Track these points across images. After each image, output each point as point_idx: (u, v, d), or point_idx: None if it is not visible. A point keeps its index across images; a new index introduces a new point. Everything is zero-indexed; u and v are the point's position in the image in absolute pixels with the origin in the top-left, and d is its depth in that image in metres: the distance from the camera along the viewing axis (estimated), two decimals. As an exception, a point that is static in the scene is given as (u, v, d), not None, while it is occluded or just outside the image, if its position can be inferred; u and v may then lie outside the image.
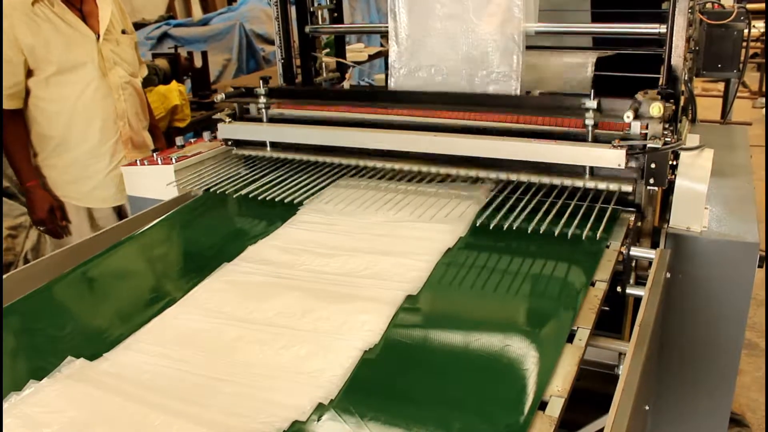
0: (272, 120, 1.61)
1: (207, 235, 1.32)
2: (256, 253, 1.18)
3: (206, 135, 1.80)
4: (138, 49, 2.14)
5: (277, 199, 1.36)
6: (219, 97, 1.61)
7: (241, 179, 1.49)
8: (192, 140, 1.81)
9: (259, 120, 1.60)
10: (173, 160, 1.59)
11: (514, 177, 1.32)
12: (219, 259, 1.16)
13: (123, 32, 1.98)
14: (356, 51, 3.93)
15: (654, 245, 1.24)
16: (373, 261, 1.11)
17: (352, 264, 1.11)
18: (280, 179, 1.47)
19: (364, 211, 1.32)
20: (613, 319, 1.16)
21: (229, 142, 1.66)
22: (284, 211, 1.36)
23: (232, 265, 1.13)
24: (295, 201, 1.35)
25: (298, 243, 1.20)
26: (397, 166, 1.44)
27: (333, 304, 0.98)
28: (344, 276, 1.08)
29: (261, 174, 1.52)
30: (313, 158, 1.55)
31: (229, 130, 1.62)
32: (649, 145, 1.19)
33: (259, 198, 1.39)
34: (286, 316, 0.97)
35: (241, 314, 0.98)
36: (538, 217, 1.17)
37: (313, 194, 1.38)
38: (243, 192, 1.43)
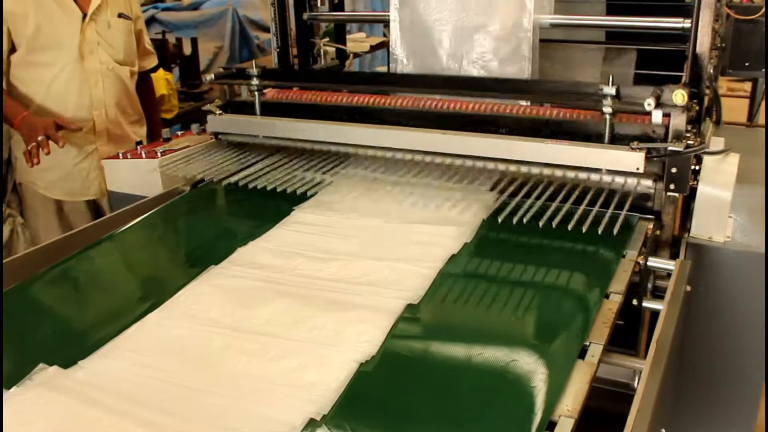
0: (265, 107, 1.60)
1: (193, 235, 1.32)
2: (245, 255, 1.17)
3: (195, 127, 1.79)
4: (145, 36, 2.11)
5: (270, 194, 1.34)
6: (208, 77, 1.61)
7: (232, 170, 1.47)
8: (179, 133, 1.81)
9: (252, 106, 1.60)
10: (158, 154, 1.59)
11: (525, 169, 1.31)
12: (206, 261, 1.15)
13: (120, 16, 1.95)
14: (357, 41, 3.92)
15: (674, 256, 1.24)
16: (371, 267, 1.11)
17: (349, 270, 1.11)
18: (274, 172, 1.45)
19: (363, 212, 1.31)
20: (629, 334, 1.15)
21: (220, 136, 1.65)
22: (277, 210, 1.36)
23: (219, 267, 1.13)
24: (292, 191, 1.33)
25: (292, 246, 1.20)
26: (399, 155, 1.43)
27: (328, 313, 0.98)
28: (340, 282, 1.07)
29: (253, 164, 1.50)
30: (309, 146, 1.53)
31: (219, 122, 1.61)
32: (669, 148, 1.19)
33: (250, 193, 1.38)
34: (277, 324, 0.97)
35: (229, 321, 0.98)
36: (547, 218, 1.15)
37: (308, 189, 1.37)
38: (233, 187, 1.42)
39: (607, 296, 1.02)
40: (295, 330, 0.96)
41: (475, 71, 1.50)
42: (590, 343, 0.91)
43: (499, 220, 1.20)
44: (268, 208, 1.38)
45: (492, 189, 1.33)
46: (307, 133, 1.51)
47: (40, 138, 1.70)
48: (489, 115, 1.41)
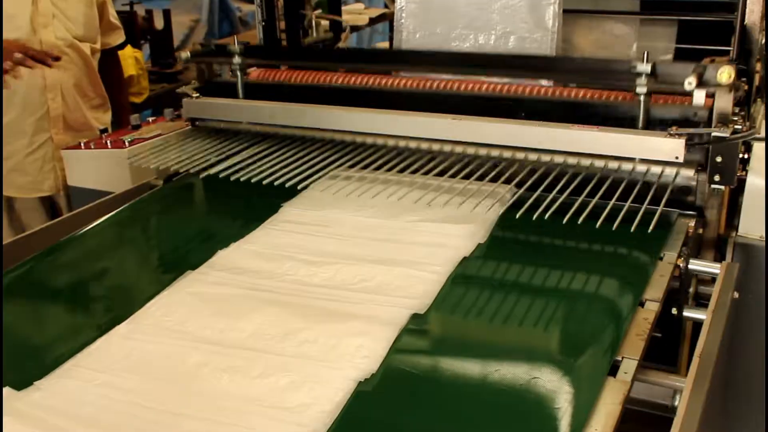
0: (249, 89, 1.60)
1: (167, 236, 1.32)
2: (227, 259, 1.17)
3: (168, 113, 1.78)
4: (109, 8, 2.10)
5: (255, 188, 1.33)
6: (184, 55, 1.61)
7: (211, 161, 1.47)
8: (150, 119, 1.81)
9: (233, 88, 1.59)
10: (126, 144, 1.58)
11: (546, 158, 1.31)
12: (181, 266, 1.15)
13: None
14: (354, 13, 3.91)
15: (719, 258, 1.24)
16: (371, 271, 1.10)
17: (346, 274, 1.10)
18: (259, 163, 1.44)
19: (361, 209, 1.30)
20: (667, 347, 1.15)
21: (197, 122, 1.65)
22: (263, 207, 1.35)
23: (197, 273, 1.12)
24: (280, 184, 1.32)
25: (280, 247, 1.20)
26: (403, 144, 1.43)
27: (321, 324, 0.97)
28: (336, 289, 1.07)
29: (235, 153, 1.49)
30: (300, 133, 1.52)
31: (196, 107, 1.61)
32: (713, 134, 1.18)
33: (233, 188, 1.37)
34: (264, 337, 0.96)
35: (208, 334, 0.97)
36: (572, 214, 1.14)
37: (299, 183, 1.36)
38: (212, 180, 1.41)
39: (641, 304, 1.02)
40: (283, 344, 0.95)
41: (491, 47, 1.49)
42: (623, 358, 0.91)
43: (517, 217, 1.18)
44: (253, 204, 1.38)
45: (509, 181, 1.32)
46: (298, 118, 1.50)
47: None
48: (506, 97, 1.41)
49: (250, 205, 1.39)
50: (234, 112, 1.59)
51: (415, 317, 1.00)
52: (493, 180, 1.34)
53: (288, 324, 0.98)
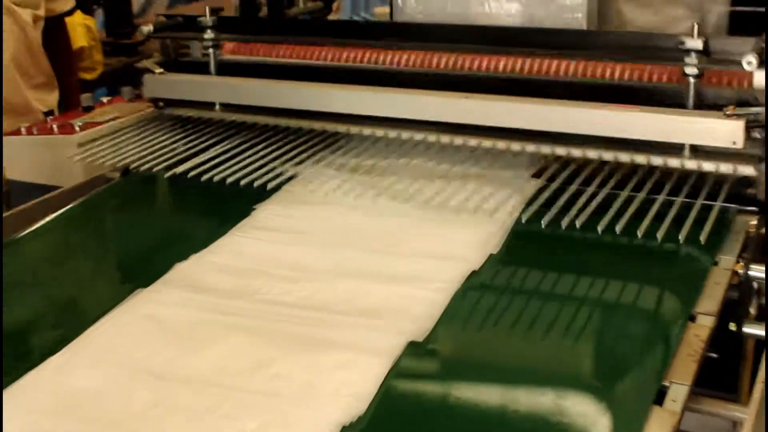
0: (223, 67, 1.58)
1: (119, 243, 1.30)
2: (186, 273, 1.15)
3: (126, 92, 1.76)
4: None
5: (223, 187, 1.33)
6: (145, 29, 1.58)
7: (177, 152, 1.46)
8: (105, 99, 1.79)
9: (205, 66, 1.57)
10: (76, 128, 1.56)
11: (577, 152, 1.29)
12: (133, 281, 1.13)
13: None
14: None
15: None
16: (359, 288, 1.08)
17: (329, 293, 1.08)
18: (232, 158, 1.44)
19: (349, 212, 1.28)
20: (725, 370, 1.13)
21: (160, 103, 1.62)
22: (232, 210, 1.33)
23: (150, 291, 1.10)
24: (250, 184, 1.32)
25: (250, 260, 1.18)
26: (405, 135, 1.41)
27: (297, 354, 0.95)
28: (316, 311, 1.04)
29: (205, 147, 1.49)
30: (283, 122, 1.51)
31: (159, 85, 1.59)
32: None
33: (198, 186, 1.36)
34: (228, 371, 0.93)
35: (160, 367, 0.95)
36: (609, 219, 1.13)
37: (277, 181, 1.35)
38: (176, 176, 1.40)
39: (692, 318, 1.00)
40: (252, 379, 0.92)
41: (511, 18, 1.47)
42: (671, 383, 0.88)
43: (543, 225, 1.16)
44: (223, 204, 1.37)
45: (533, 176, 1.30)
46: (281, 97, 1.48)
47: None
48: (529, 78, 1.39)
49: (218, 206, 1.37)
50: (205, 91, 1.57)
51: (412, 346, 0.96)
52: (511, 174, 1.31)
53: (257, 354, 0.95)
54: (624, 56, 1.36)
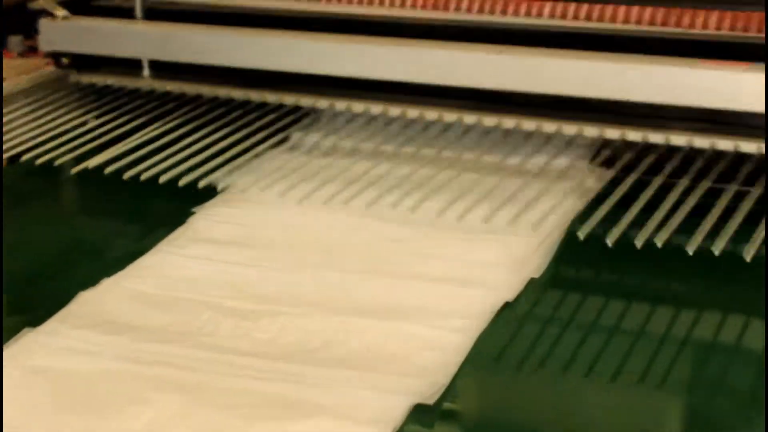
0: (155, 12, 1.56)
1: (7, 261, 1.22)
2: (95, 306, 1.09)
3: (15, 43, 1.74)
4: None
5: (152, 183, 1.28)
6: None
7: (88, 140, 1.42)
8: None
9: (128, 12, 1.56)
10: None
11: (658, 138, 1.27)
12: (17, 317, 1.08)
13: None
14: None
15: None
16: (344, 327, 1.03)
17: (302, 333, 1.02)
18: (167, 146, 1.39)
19: (330, 213, 1.25)
20: None
21: (64, 59, 1.59)
22: (163, 216, 1.30)
23: (41, 332, 1.04)
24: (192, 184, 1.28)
25: (187, 285, 1.12)
26: (412, 112, 1.39)
27: (258, 426, 0.91)
28: (284, 361, 0.98)
29: (129, 131, 1.45)
30: (239, 94, 1.49)
31: (62, 33, 1.58)
32: None
33: (117, 182, 1.31)
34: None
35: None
36: (708, 232, 1.09)
37: (227, 176, 1.31)
38: (89, 166, 1.35)
39: None
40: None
41: None
42: None
43: (610, 243, 1.11)
44: (145, 209, 1.32)
45: (597, 165, 1.28)
46: (235, 52, 1.46)
47: None
48: (573, 31, 1.37)
49: (143, 209, 1.32)
50: (128, 43, 1.53)
51: (419, 411, 0.91)
52: (565, 165, 1.30)
53: (199, 424, 0.90)
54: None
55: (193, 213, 1.27)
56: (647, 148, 1.27)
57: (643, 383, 0.96)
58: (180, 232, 1.24)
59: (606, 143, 1.30)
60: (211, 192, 1.30)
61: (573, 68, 1.29)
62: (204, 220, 1.27)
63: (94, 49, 1.56)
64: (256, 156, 1.38)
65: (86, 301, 1.10)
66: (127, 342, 1.04)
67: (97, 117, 1.49)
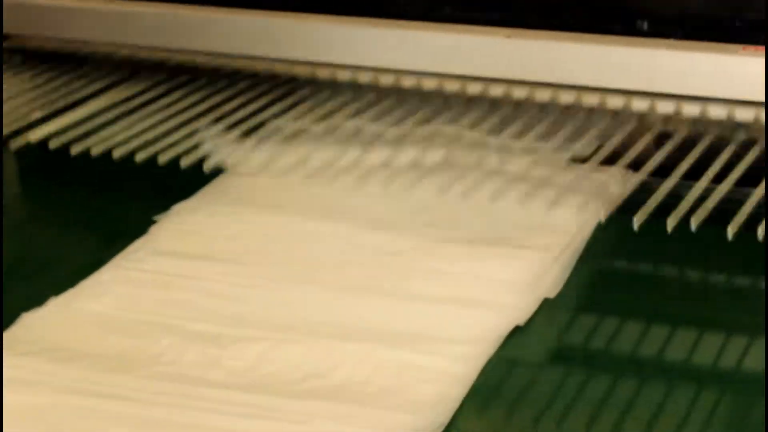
0: None
1: None
2: (40, 330, 1.08)
3: None
4: None
5: (108, 177, 1.30)
6: None
7: (29, 109, 1.44)
8: None
9: None
10: None
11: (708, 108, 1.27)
12: None
13: None
14: None
15: None
16: (331, 354, 1.01)
17: (282, 361, 1.01)
18: (120, 117, 1.41)
19: (320, 218, 1.25)
20: None
21: None
22: (118, 221, 1.29)
23: None
24: (150, 166, 1.29)
25: (148, 305, 1.10)
26: (408, 82, 1.41)
27: None
28: (261, 393, 0.97)
29: (78, 100, 1.48)
30: (205, 61, 1.49)
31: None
32: None
33: (70, 168, 1.34)
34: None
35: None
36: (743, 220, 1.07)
37: (197, 162, 1.31)
38: (30, 151, 1.39)
39: None
40: None
41: None
42: None
43: (636, 226, 1.10)
44: (100, 212, 1.32)
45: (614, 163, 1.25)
46: (194, 35, 1.48)
47: None
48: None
49: (97, 211, 1.31)
50: (62, 23, 1.56)
51: None
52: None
53: None
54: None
55: (155, 222, 1.26)
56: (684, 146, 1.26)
57: (683, 427, 0.96)
58: (139, 243, 1.23)
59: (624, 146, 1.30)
60: (175, 198, 1.30)
61: (593, 52, 1.35)
62: (168, 229, 1.26)
63: (19, 29, 1.61)
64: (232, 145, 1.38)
65: (30, 323, 1.09)
66: (78, 371, 1.02)
67: (39, 86, 1.51)
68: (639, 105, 1.33)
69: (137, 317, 1.11)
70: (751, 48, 1.29)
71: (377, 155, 1.37)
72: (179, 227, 1.28)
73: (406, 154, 1.37)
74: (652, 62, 1.33)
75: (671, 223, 1.14)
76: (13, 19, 1.59)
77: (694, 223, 1.11)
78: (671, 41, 1.34)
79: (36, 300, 1.12)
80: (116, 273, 1.19)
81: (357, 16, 1.46)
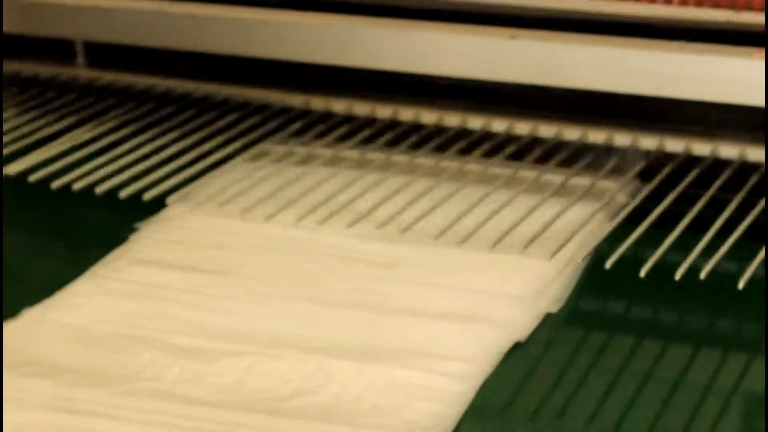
0: None
1: None
2: (13, 343, 1.07)
3: None
4: None
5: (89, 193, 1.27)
6: None
7: (10, 140, 1.42)
8: None
9: None
10: None
11: (704, 148, 1.28)
12: None
13: None
14: None
15: None
16: (320, 371, 1.00)
17: (269, 378, 0.99)
18: (105, 150, 1.39)
19: (303, 232, 1.25)
20: None
21: None
22: (95, 233, 1.30)
23: None
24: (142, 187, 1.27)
25: (126, 318, 1.09)
26: (405, 113, 1.41)
27: None
28: (248, 412, 0.95)
29: (60, 131, 1.46)
30: (196, 90, 1.51)
31: None
32: None
33: (44, 189, 1.31)
34: None
35: None
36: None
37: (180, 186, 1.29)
38: (10, 173, 1.37)
39: None
40: None
41: None
42: None
43: (642, 274, 1.09)
44: (79, 225, 1.31)
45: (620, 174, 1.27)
46: (185, 35, 1.47)
47: None
48: (608, 19, 1.36)
49: (75, 224, 1.30)
50: (51, 17, 1.54)
51: None
52: (591, 180, 1.28)
53: None
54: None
55: (135, 230, 1.26)
56: (691, 159, 1.27)
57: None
58: (119, 252, 1.22)
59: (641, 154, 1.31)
60: (158, 205, 1.31)
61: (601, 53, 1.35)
62: (148, 238, 1.26)
63: (15, 27, 1.57)
64: (216, 165, 1.39)
65: (3, 336, 1.09)
66: (53, 387, 1.02)
67: (22, 114, 1.50)
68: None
69: (116, 330, 1.11)
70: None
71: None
72: (162, 236, 1.29)
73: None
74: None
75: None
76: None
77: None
78: (681, 44, 1.36)
79: (8, 311, 1.12)
80: (94, 283, 1.20)
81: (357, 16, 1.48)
